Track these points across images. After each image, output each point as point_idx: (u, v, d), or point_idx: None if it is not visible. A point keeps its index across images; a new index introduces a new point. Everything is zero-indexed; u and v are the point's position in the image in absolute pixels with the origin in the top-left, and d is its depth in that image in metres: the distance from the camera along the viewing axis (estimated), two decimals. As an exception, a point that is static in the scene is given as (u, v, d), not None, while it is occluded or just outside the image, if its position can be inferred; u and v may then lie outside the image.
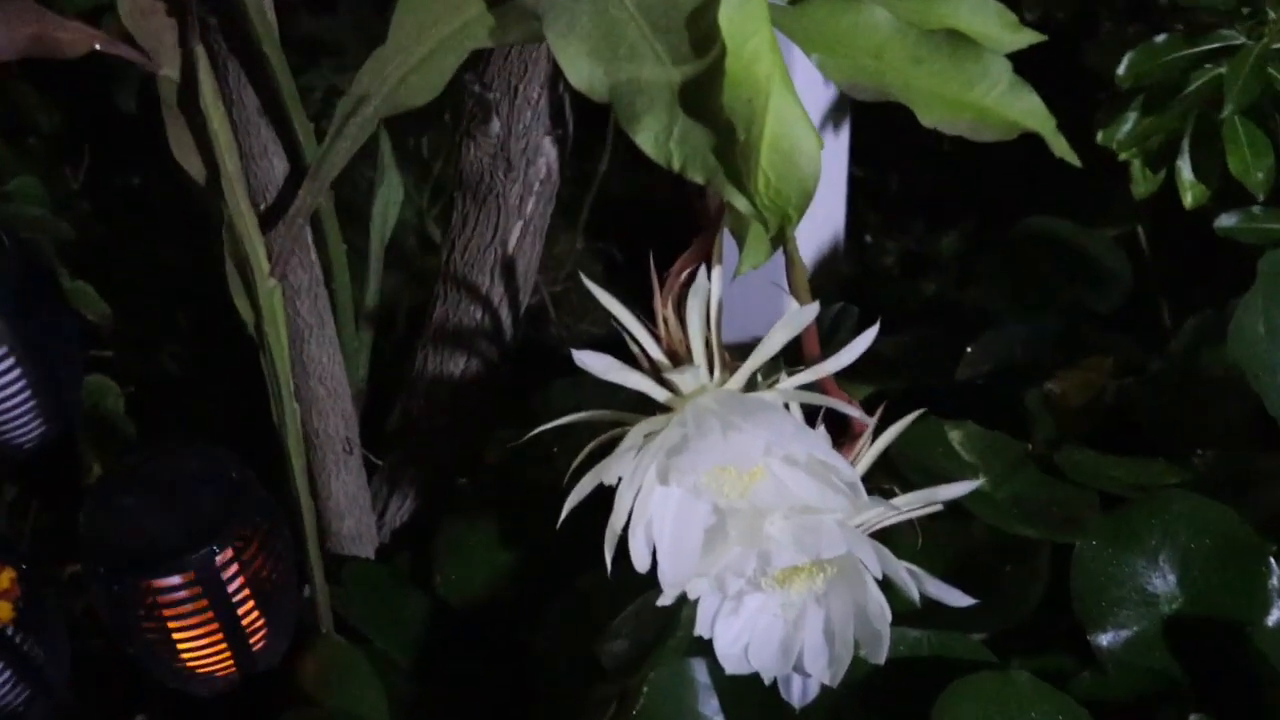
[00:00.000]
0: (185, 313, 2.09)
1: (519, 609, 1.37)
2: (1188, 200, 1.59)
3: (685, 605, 1.16)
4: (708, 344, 1.11)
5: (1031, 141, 0.90)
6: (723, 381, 1.10)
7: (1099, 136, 1.63)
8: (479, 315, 1.36)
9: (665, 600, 1.12)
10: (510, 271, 1.34)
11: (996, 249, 1.79)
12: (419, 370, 1.42)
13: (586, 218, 2.23)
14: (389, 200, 1.38)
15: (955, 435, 1.31)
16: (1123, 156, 1.62)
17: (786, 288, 1.11)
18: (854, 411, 1.10)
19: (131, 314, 1.91)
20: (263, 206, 1.16)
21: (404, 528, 1.47)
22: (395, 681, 1.34)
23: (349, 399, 1.36)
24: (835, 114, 1.83)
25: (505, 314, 1.37)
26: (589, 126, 1.37)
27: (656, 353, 1.07)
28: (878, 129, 2.02)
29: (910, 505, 1.16)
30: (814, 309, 1.05)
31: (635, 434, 1.04)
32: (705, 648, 1.13)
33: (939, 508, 1.21)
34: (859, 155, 2.09)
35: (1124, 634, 1.19)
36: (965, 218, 2.39)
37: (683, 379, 1.07)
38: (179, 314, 2.09)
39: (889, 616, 1.07)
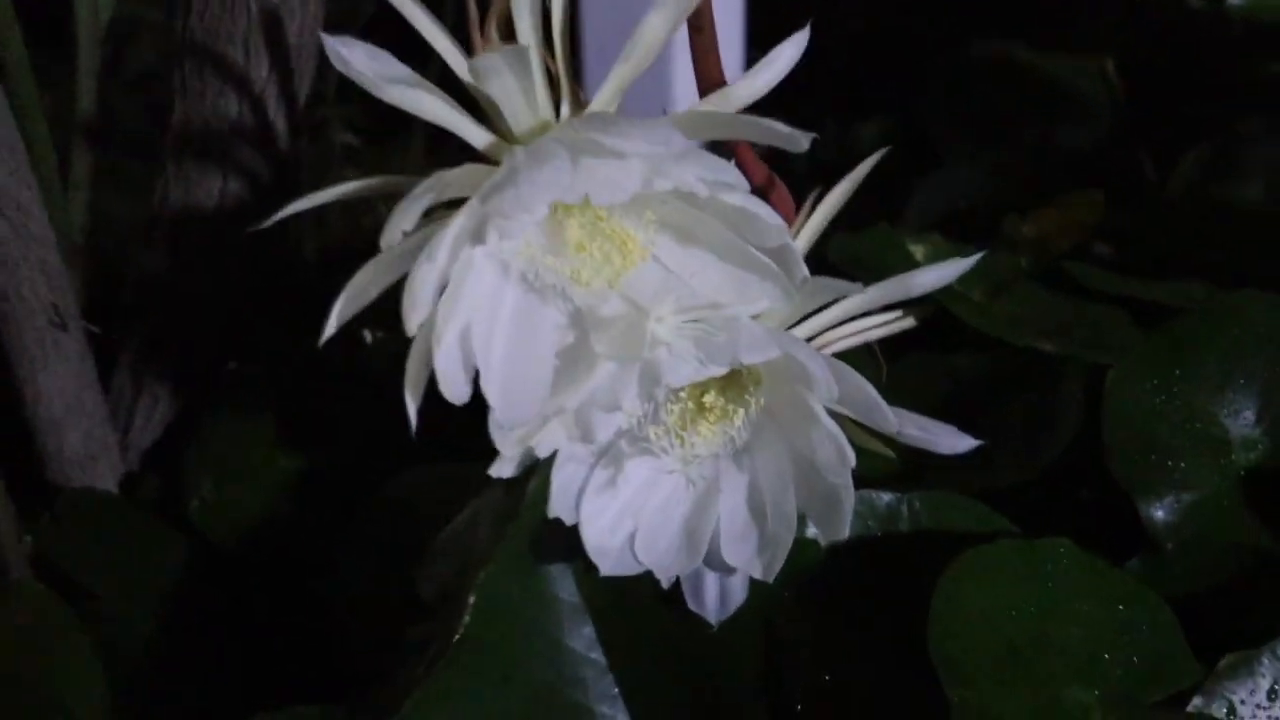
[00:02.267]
0: None
1: (307, 539, 0.96)
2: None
3: (535, 476, 0.75)
4: (550, 68, 0.71)
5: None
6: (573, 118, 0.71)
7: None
8: (234, 110, 0.95)
9: (504, 466, 0.73)
10: (276, 39, 0.93)
11: (937, 81, 1.42)
12: (159, 205, 1.01)
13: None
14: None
15: (919, 250, 0.94)
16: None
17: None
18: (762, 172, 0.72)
19: None
20: None
21: (159, 446, 1.05)
22: (126, 647, 0.91)
23: (53, 248, 0.95)
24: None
25: (274, 107, 0.96)
26: None
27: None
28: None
29: (868, 307, 0.77)
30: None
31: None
32: (566, 541, 0.73)
33: (909, 321, 0.82)
34: (756, 40, 1.75)
35: (1185, 499, 0.81)
36: (886, 106, 2.03)
37: (511, 104, 0.67)
38: None
39: (851, 461, 0.68)
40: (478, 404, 0.71)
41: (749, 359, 0.69)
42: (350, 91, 1.38)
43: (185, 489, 1.01)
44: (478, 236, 0.66)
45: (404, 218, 0.64)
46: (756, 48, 1.79)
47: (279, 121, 0.98)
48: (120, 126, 1.18)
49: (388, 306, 0.71)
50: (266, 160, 0.98)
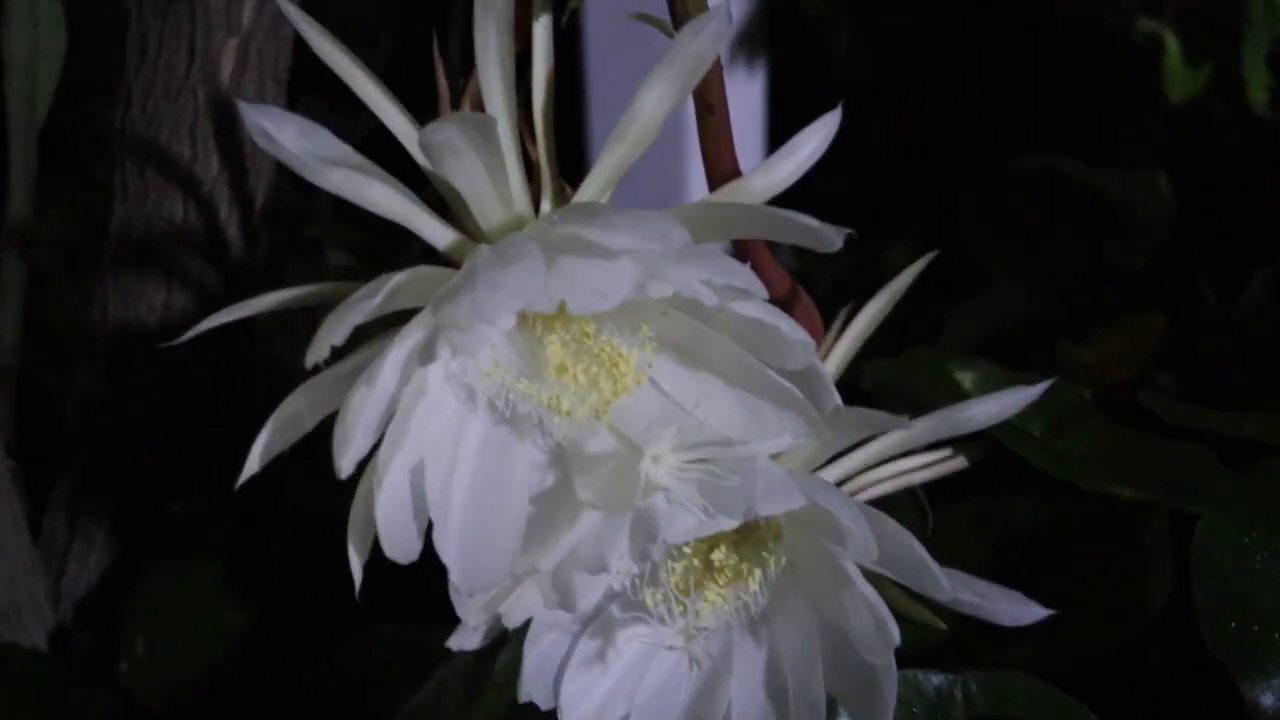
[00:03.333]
0: None
1: (251, 708, 0.82)
2: (1259, 98, 1.10)
3: (506, 647, 0.61)
4: (531, 154, 0.60)
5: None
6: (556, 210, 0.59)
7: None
8: (179, 213, 0.83)
9: (468, 638, 0.59)
10: (227, 130, 0.82)
11: (973, 193, 1.30)
12: (97, 321, 0.88)
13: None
14: (37, 46, 0.86)
15: (967, 377, 0.81)
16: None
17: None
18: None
19: None
20: None
21: (95, 595, 0.91)
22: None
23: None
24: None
25: (226, 209, 0.84)
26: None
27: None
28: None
29: (911, 445, 0.64)
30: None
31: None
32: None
33: (960, 462, 0.68)
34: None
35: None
36: (912, 225, 1.93)
37: (477, 193, 0.55)
38: None
39: (895, 637, 0.54)
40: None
41: (767, 510, 0.55)
42: (348, 209, 1.28)
43: (118, 646, 0.87)
44: (427, 354, 0.53)
45: (336, 329, 0.51)
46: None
47: (231, 226, 0.86)
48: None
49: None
50: (217, 270, 0.86)
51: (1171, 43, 1.22)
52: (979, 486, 0.74)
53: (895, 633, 0.56)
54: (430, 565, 0.64)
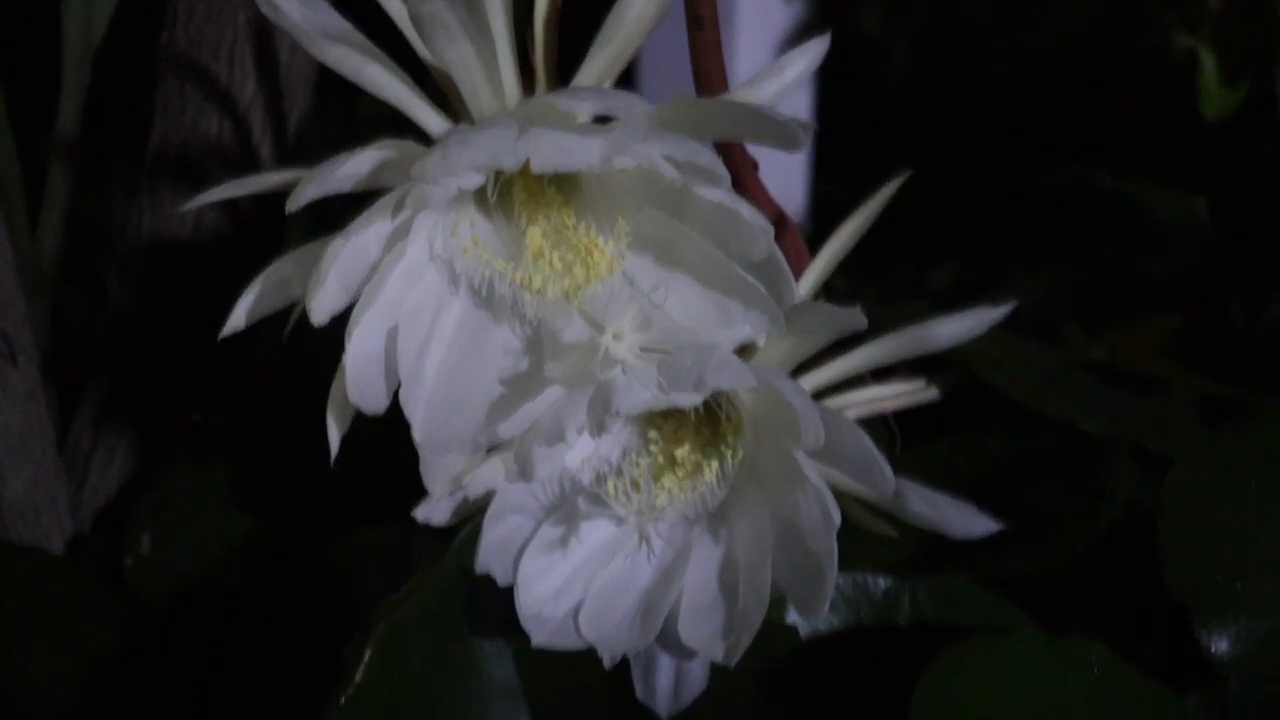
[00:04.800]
0: None
1: (245, 607, 0.85)
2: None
3: (468, 524, 0.64)
4: (530, 58, 0.63)
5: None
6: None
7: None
8: (214, 131, 0.87)
9: (435, 510, 0.62)
10: (264, 54, 0.86)
11: (1009, 205, 1.31)
12: (132, 235, 0.92)
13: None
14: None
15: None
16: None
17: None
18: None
19: None
20: None
21: (112, 507, 0.95)
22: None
23: (8, 269, 0.86)
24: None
25: (260, 130, 0.88)
26: None
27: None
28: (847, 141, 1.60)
29: (880, 361, 0.66)
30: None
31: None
32: (496, 605, 0.62)
33: (932, 392, 0.70)
34: (825, 173, 1.65)
35: (1259, 627, 0.67)
36: (957, 251, 1.94)
37: (469, 78, 0.58)
38: None
39: (837, 520, 0.56)
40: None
41: (717, 382, 0.58)
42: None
43: (125, 544, 0.91)
44: (398, 207, 0.56)
45: (320, 182, 0.55)
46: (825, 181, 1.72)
47: (264, 147, 0.90)
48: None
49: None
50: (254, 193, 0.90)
51: (1208, 60, 1.23)
52: (952, 426, 0.75)
53: (838, 516, 0.57)
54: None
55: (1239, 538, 0.70)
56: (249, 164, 0.90)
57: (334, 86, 0.74)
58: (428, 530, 0.68)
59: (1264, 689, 0.67)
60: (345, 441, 0.65)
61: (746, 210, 0.56)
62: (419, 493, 0.66)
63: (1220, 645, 0.68)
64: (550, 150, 0.53)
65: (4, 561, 0.92)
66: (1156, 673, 0.63)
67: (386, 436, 0.63)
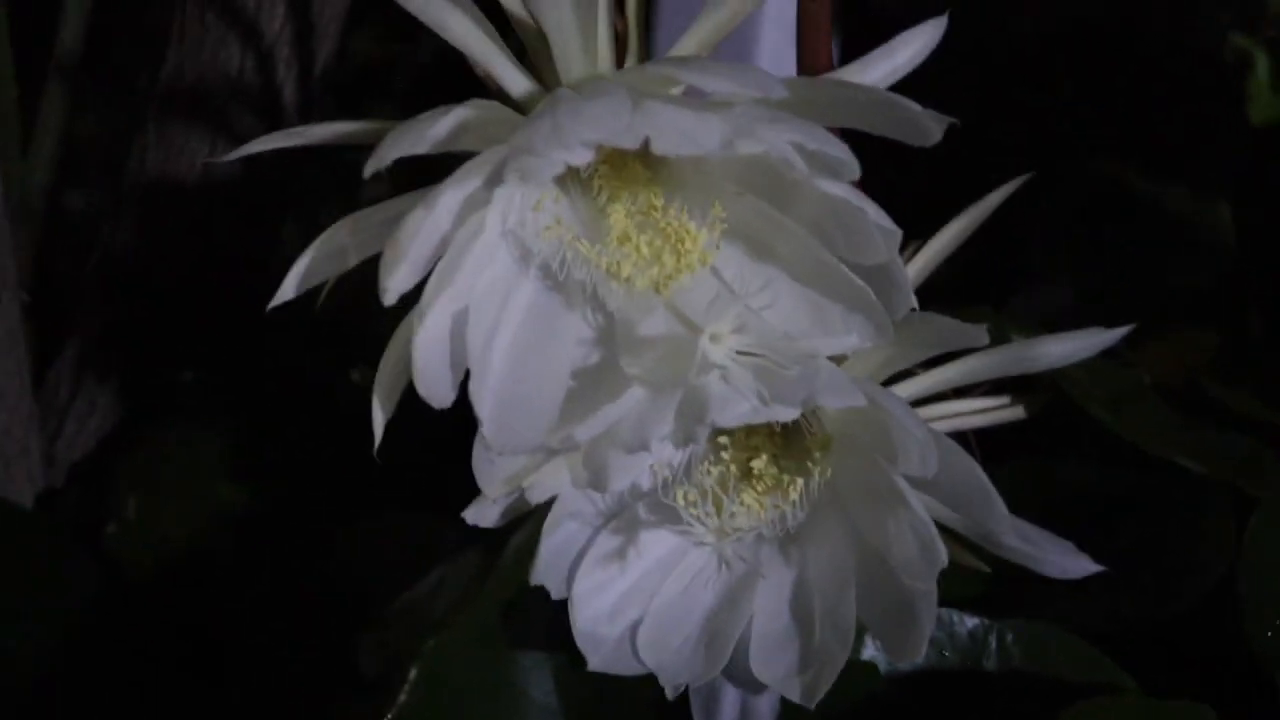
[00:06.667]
0: None
1: (235, 585, 0.79)
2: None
3: (522, 530, 0.58)
4: (619, 29, 0.57)
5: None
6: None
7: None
8: (235, 66, 0.80)
9: (485, 512, 0.56)
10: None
11: (1037, 198, 1.26)
12: (134, 172, 0.85)
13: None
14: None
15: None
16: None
17: None
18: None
19: None
20: None
21: (89, 463, 0.88)
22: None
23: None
24: None
25: (285, 68, 0.81)
26: None
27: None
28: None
29: (977, 377, 0.61)
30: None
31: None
32: (550, 622, 0.56)
33: (1018, 411, 0.65)
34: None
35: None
36: (979, 245, 1.89)
37: (564, 42, 0.52)
38: None
39: (942, 560, 0.51)
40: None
41: (827, 402, 0.52)
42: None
43: (106, 508, 0.84)
44: (495, 178, 0.50)
45: (400, 142, 0.48)
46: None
47: (288, 86, 0.83)
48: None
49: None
50: (267, 130, 0.83)
51: (1261, 63, 1.19)
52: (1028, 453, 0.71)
53: (943, 553, 0.52)
54: (439, 453, 0.61)
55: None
56: (270, 105, 0.83)
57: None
58: (451, 522, 0.62)
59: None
60: (356, 418, 0.59)
61: (872, 210, 0.51)
62: (436, 477, 0.60)
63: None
64: (672, 132, 0.47)
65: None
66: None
67: (404, 411, 0.58)
